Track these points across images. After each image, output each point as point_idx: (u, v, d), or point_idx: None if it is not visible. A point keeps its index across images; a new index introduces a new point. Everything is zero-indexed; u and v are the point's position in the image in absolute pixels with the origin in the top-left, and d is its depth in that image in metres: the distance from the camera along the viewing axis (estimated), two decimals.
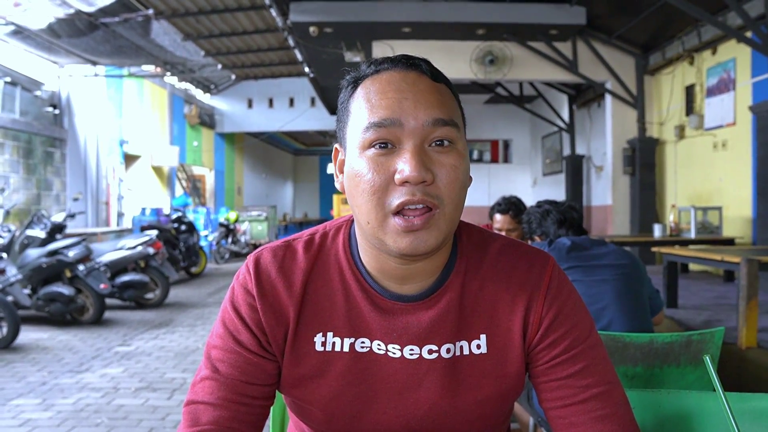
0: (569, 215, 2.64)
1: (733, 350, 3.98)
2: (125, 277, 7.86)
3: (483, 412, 1.10)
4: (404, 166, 0.96)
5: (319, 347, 1.10)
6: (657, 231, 7.26)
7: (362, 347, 1.09)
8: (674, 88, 9.41)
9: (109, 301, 8.09)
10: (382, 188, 0.98)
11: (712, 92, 8.45)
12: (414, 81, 1.01)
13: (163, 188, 16.18)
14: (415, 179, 0.95)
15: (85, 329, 7.13)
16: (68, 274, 7.17)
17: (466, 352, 1.09)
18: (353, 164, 1.02)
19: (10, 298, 6.57)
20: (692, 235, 7.04)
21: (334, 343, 1.10)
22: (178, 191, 16.85)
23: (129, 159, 14.43)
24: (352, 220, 1.16)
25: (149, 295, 8.50)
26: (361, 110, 1.01)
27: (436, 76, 1.04)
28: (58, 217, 7.97)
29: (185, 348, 6.01)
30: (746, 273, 3.81)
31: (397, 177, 0.97)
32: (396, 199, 0.98)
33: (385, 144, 0.98)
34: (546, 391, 1.09)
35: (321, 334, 1.10)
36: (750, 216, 7.50)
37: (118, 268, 8.02)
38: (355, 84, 1.06)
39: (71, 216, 8.23)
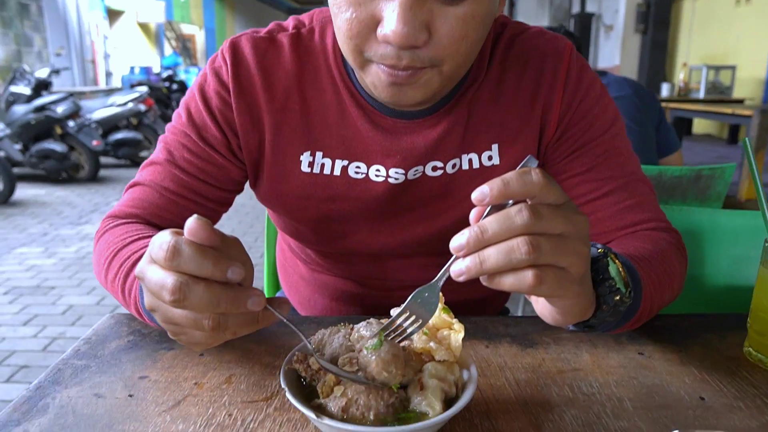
0: None
1: (732, 202, 3.98)
2: (118, 135, 7.73)
3: None
4: (390, 17, 0.73)
5: (305, 168, 0.98)
6: (665, 90, 7.00)
7: (357, 173, 0.98)
8: None
9: (104, 159, 8.01)
10: (361, 35, 0.77)
11: None
12: None
13: (152, 47, 15.44)
14: (401, 42, 0.73)
15: (82, 186, 7.12)
16: (59, 131, 7.01)
17: (475, 165, 0.99)
18: None
19: (2, 153, 6.48)
20: (701, 94, 6.79)
21: (323, 165, 0.98)
22: (168, 51, 16.11)
23: (112, 14, 13.60)
24: None
25: (144, 153, 8.40)
26: None
27: None
28: (41, 73, 7.64)
29: None
30: (757, 124, 3.68)
31: (379, 32, 0.75)
32: (376, 53, 0.78)
33: None
34: (566, 190, 1.01)
35: (308, 153, 0.97)
36: (763, 77, 7.21)
37: (109, 125, 7.84)
38: None
39: (55, 72, 7.88)
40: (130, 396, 0.76)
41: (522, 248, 0.55)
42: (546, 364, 0.85)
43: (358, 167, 0.98)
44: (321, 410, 0.61)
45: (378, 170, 0.97)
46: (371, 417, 0.59)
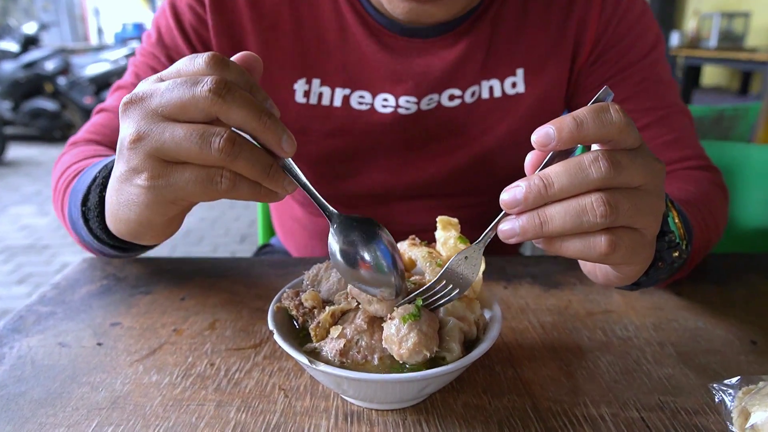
0: None
1: None
2: None
3: (493, 169, 0.91)
4: None
5: (300, 98, 0.85)
6: (674, 39, 6.75)
7: (361, 103, 0.85)
8: None
9: None
10: None
11: None
12: None
13: (144, 4, 15.02)
14: None
15: None
16: (50, 88, 6.82)
17: (497, 93, 0.86)
18: None
19: None
20: (713, 43, 6.55)
21: (321, 95, 0.85)
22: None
23: None
24: None
25: None
26: None
27: None
28: (29, 29, 7.39)
29: None
30: None
31: None
32: None
33: None
34: None
35: (304, 80, 0.85)
36: None
37: (102, 82, 7.61)
38: None
39: (44, 27, 7.62)
40: (99, 345, 0.66)
41: (598, 209, 0.43)
42: (573, 305, 0.75)
43: (362, 97, 0.85)
44: (315, 356, 0.51)
45: (386, 100, 0.85)
46: (375, 361, 0.49)
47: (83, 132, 0.88)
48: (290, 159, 0.50)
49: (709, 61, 4.62)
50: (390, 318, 0.50)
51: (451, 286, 0.50)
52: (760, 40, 7.14)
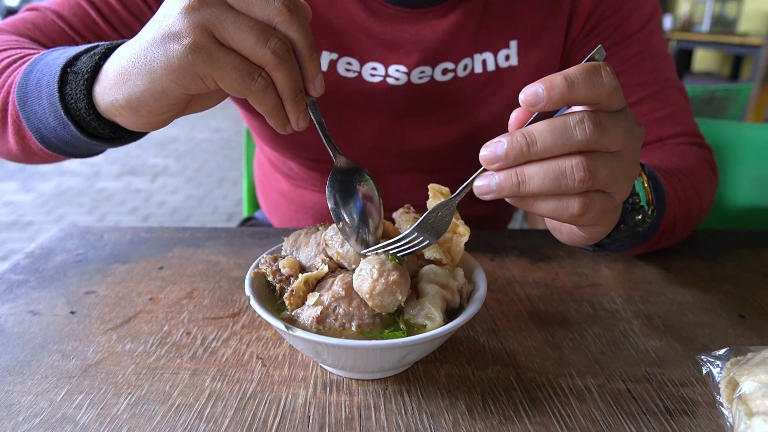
0: None
1: None
2: None
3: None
4: None
5: None
6: (667, 22, 6.72)
7: (348, 70, 0.82)
8: None
9: None
10: None
11: None
12: None
13: None
14: None
15: None
16: None
17: (490, 66, 0.84)
18: None
19: None
20: (705, 27, 6.54)
21: None
22: None
23: None
24: None
25: None
26: None
27: None
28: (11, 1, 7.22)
29: (166, 137, 5.81)
30: (767, 54, 3.51)
31: None
32: None
33: None
34: None
35: None
36: None
37: None
38: None
39: None
40: (72, 313, 0.64)
41: (577, 174, 0.41)
42: (560, 278, 0.74)
43: (349, 63, 0.82)
44: (292, 323, 0.49)
45: (374, 68, 0.82)
46: (353, 329, 0.48)
47: (5, 23, 0.80)
48: (316, 100, 0.54)
49: (701, 44, 4.61)
50: (363, 257, 0.50)
51: (421, 238, 0.49)
52: (752, 25, 7.14)
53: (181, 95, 0.51)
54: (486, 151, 0.43)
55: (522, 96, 0.42)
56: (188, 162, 4.92)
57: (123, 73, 0.52)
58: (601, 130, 0.42)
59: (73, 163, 4.96)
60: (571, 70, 0.41)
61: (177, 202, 4.11)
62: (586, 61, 0.42)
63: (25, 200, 4.19)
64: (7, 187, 4.49)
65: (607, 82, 0.41)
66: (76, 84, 0.57)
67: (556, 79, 0.41)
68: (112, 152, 5.26)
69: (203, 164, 4.86)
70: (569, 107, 0.44)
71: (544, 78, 0.41)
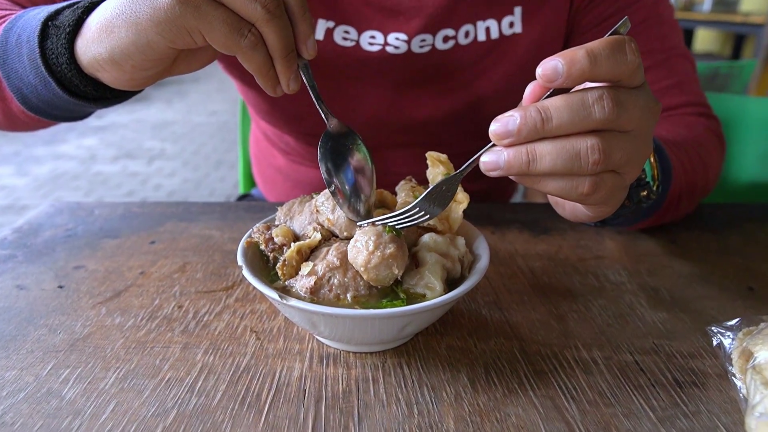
0: None
1: None
2: None
3: (486, 116, 0.86)
4: None
5: None
6: None
7: (345, 39, 0.79)
8: None
9: None
10: None
11: None
12: None
13: None
14: None
15: None
16: None
17: (494, 34, 0.81)
18: None
19: None
20: (707, 7, 6.46)
21: None
22: None
23: None
24: None
25: None
26: None
27: None
28: None
29: (162, 121, 5.76)
30: None
31: None
32: None
33: None
34: None
35: None
36: None
37: None
38: None
39: None
40: (60, 287, 0.62)
41: (591, 156, 0.39)
42: (564, 251, 0.72)
43: (346, 32, 0.79)
44: (286, 294, 0.47)
45: (373, 37, 0.79)
46: (349, 300, 0.46)
47: None
48: (308, 63, 0.51)
49: (703, 24, 4.54)
50: (359, 227, 0.48)
51: (422, 212, 0.46)
52: (754, 5, 7.05)
53: (167, 49, 0.48)
54: (496, 126, 0.40)
55: (540, 70, 0.39)
56: (185, 145, 4.88)
57: (107, 26, 0.50)
58: (621, 109, 0.39)
59: (68, 147, 4.91)
60: (595, 45, 0.38)
61: (174, 186, 4.08)
62: (611, 35, 0.39)
63: (20, 184, 4.16)
64: (2, 171, 4.45)
65: (630, 59, 0.38)
66: (57, 38, 0.54)
67: (578, 54, 0.38)
68: (107, 136, 5.21)
69: (200, 147, 4.82)
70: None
71: (564, 52, 0.38)
